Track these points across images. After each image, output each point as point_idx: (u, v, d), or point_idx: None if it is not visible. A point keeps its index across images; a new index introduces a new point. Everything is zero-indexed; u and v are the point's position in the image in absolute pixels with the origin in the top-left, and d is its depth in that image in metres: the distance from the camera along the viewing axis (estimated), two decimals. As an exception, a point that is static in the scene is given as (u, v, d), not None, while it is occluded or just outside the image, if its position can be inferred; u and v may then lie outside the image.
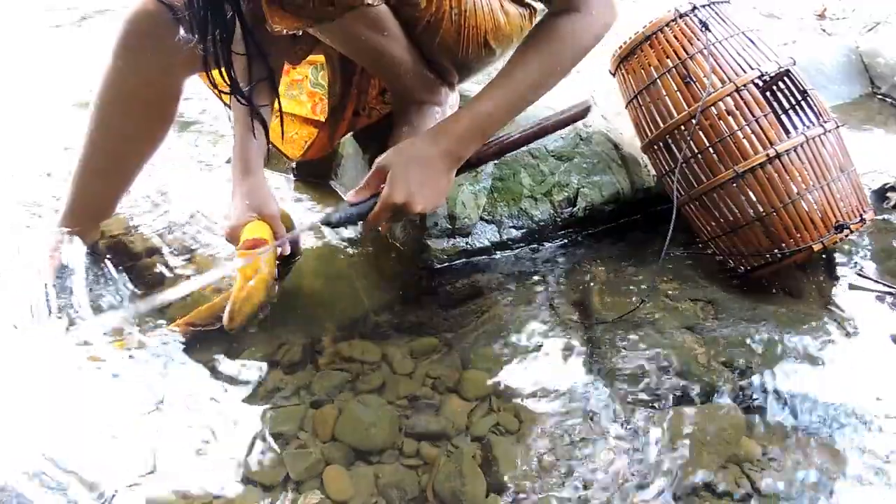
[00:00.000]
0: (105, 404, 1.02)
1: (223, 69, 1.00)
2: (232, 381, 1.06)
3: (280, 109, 1.15)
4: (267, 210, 1.15)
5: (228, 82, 1.03)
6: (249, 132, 1.15)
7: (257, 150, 1.18)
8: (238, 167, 1.17)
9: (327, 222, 1.10)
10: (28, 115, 1.89)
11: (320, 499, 0.89)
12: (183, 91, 1.31)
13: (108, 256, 1.32)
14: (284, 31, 0.98)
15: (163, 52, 1.18)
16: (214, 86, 1.07)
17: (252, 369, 1.08)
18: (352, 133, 1.51)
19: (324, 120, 1.41)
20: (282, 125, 1.20)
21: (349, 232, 1.46)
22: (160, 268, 1.32)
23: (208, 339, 1.12)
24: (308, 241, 1.39)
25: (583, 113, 1.22)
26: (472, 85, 1.56)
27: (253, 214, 1.14)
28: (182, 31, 1.04)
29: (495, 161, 1.36)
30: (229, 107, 1.27)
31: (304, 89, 1.45)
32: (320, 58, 1.39)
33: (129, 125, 1.28)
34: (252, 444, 0.96)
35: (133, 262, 1.32)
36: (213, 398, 1.03)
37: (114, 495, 0.88)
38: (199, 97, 1.90)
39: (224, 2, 0.93)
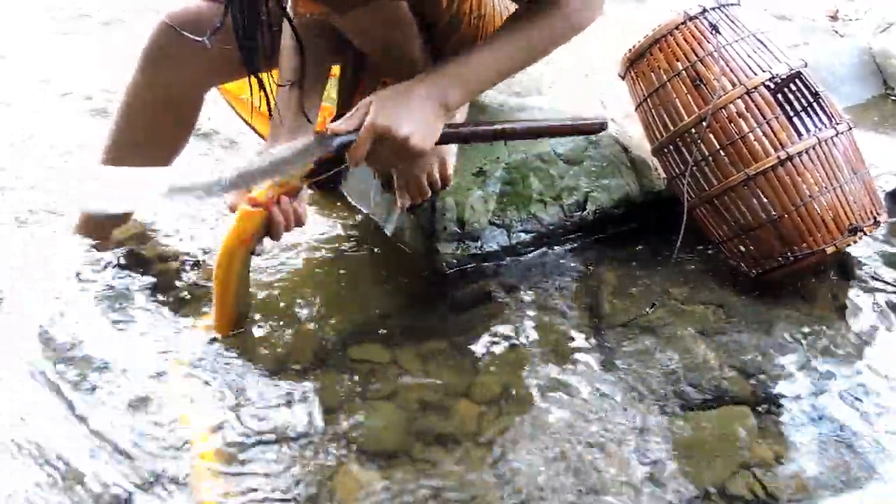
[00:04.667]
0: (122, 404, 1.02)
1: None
2: (241, 385, 1.06)
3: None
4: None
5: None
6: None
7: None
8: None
9: (311, 160, 1.03)
10: (39, 124, 1.90)
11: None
12: (204, 101, 1.35)
13: (122, 263, 1.33)
14: (308, 15, 1.01)
15: (186, 65, 1.22)
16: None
17: (261, 373, 1.09)
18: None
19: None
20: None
21: (356, 234, 1.45)
22: (175, 274, 1.33)
23: (218, 344, 1.13)
24: (314, 245, 1.39)
25: (597, 128, 1.25)
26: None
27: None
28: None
29: (490, 143, 1.38)
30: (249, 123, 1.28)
31: None
32: (334, 71, 1.40)
33: (150, 133, 1.32)
34: (262, 448, 0.96)
35: (146, 269, 1.33)
36: (221, 401, 1.03)
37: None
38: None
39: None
